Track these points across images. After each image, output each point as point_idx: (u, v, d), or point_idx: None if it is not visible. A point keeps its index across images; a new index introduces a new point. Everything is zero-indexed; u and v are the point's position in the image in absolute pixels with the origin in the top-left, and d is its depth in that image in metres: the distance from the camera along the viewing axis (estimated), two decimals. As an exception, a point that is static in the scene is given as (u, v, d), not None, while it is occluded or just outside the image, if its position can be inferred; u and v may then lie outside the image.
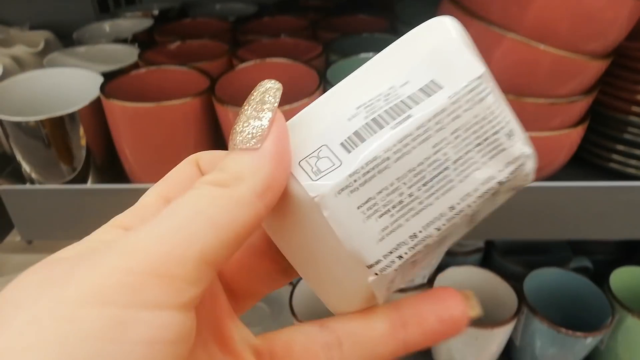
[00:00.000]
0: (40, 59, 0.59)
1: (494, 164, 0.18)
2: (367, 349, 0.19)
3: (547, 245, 0.76)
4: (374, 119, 0.18)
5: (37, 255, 0.72)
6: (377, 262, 0.18)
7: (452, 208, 0.18)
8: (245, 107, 0.18)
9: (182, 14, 0.75)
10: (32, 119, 0.42)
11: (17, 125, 0.43)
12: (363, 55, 0.48)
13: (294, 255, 0.20)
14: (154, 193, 0.20)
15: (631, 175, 0.49)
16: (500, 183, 0.18)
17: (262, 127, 0.17)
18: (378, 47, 0.51)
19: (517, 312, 0.60)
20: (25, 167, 0.46)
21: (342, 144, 0.18)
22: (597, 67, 0.41)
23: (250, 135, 0.17)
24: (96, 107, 0.45)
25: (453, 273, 0.67)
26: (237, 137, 0.17)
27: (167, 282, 0.14)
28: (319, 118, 0.20)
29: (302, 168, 0.18)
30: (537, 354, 0.63)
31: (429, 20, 0.20)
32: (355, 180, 0.17)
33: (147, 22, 0.66)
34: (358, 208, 0.17)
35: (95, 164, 0.48)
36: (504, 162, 0.18)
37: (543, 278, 0.66)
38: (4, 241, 0.52)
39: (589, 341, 0.59)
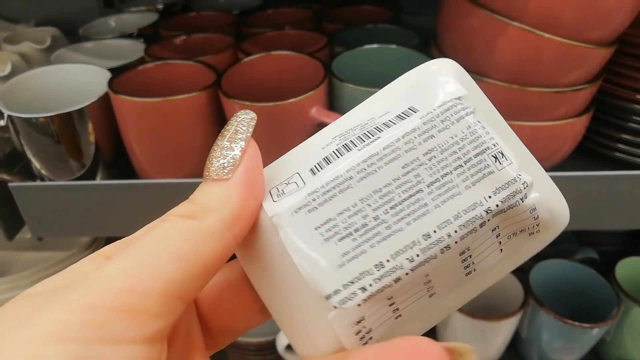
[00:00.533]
0: (47, 55, 0.60)
1: (479, 189, 0.17)
2: None
3: (553, 236, 0.76)
4: (345, 144, 0.17)
5: (46, 252, 0.73)
6: (336, 293, 0.16)
7: (427, 236, 0.16)
8: (220, 138, 0.18)
9: (186, 7, 0.75)
10: (41, 115, 0.43)
11: (27, 121, 0.43)
12: (367, 46, 0.48)
13: (263, 290, 0.18)
14: (147, 226, 0.19)
15: (637, 165, 0.49)
16: (489, 211, 0.16)
17: (234, 157, 0.17)
18: (382, 38, 0.51)
19: (524, 304, 0.60)
20: (36, 164, 0.47)
21: (311, 169, 0.17)
22: (601, 55, 0.41)
23: (221, 166, 0.17)
24: (104, 103, 0.45)
25: (459, 265, 0.67)
26: (210, 168, 0.17)
27: (130, 317, 0.14)
28: (299, 151, 0.19)
29: (270, 194, 0.18)
30: (544, 346, 0.63)
31: (428, 62, 0.20)
32: (314, 200, 0.17)
33: (152, 17, 0.66)
34: (316, 229, 0.16)
35: (104, 160, 0.48)
36: (492, 187, 0.17)
37: (549, 270, 0.66)
38: (14, 239, 0.53)
39: (595, 332, 0.59)
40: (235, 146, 0.17)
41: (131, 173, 0.50)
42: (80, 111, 0.44)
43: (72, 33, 0.67)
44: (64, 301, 0.14)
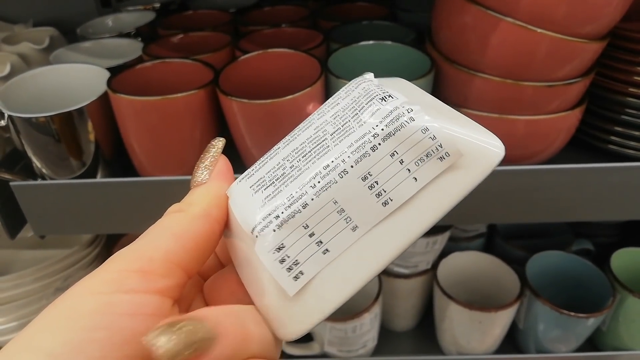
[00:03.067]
0: (46, 55, 0.60)
1: (369, 123, 0.19)
2: None
3: (548, 228, 0.77)
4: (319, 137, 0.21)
5: (48, 251, 0.73)
6: (257, 225, 0.19)
7: (326, 167, 0.19)
8: (198, 162, 0.23)
9: (183, 6, 0.75)
10: (41, 115, 0.43)
11: (28, 121, 0.44)
12: (363, 43, 0.49)
13: (238, 268, 0.22)
14: None
15: (630, 157, 0.50)
16: (375, 135, 0.19)
17: (208, 167, 0.23)
18: (378, 35, 0.52)
19: (520, 295, 0.61)
20: (37, 163, 0.48)
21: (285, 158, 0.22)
22: (593, 50, 0.42)
23: (202, 175, 0.23)
24: (104, 102, 0.46)
25: (456, 258, 0.68)
26: (193, 180, 0.23)
27: (140, 275, 0.19)
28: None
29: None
30: (540, 336, 0.64)
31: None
32: (252, 169, 0.22)
33: (149, 16, 0.67)
34: (250, 187, 0.21)
35: (104, 158, 0.49)
36: (378, 118, 0.19)
37: (545, 261, 0.67)
38: (16, 237, 0.53)
39: (591, 322, 0.60)
40: (209, 162, 0.23)
41: (131, 171, 0.50)
42: (79, 110, 0.45)
43: (70, 33, 0.67)
44: (96, 272, 0.19)
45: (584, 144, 0.53)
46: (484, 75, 0.43)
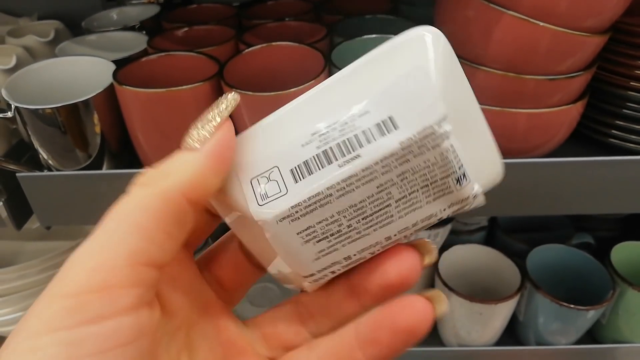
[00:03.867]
0: (51, 48, 0.61)
1: (437, 204, 0.19)
2: (333, 315, 0.21)
3: (549, 222, 0.78)
4: (324, 152, 0.19)
5: (53, 242, 0.74)
6: (311, 275, 0.20)
7: (388, 238, 0.19)
8: (204, 115, 0.19)
9: (187, 0, 0.76)
10: (48, 106, 0.44)
11: (34, 113, 0.44)
12: (366, 36, 0.49)
13: (254, 251, 0.22)
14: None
15: (631, 150, 0.50)
16: (440, 219, 0.19)
17: (208, 131, 0.18)
18: (381, 29, 0.52)
19: (520, 288, 0.62)
20: (43, 154, 0.48)
21: (291, 170, 0.19)
22: (595, 43, 0.42)
23: (195, 138, 0.18)
24: (109, 94, 0.46)
25: (457, 251, 0.69)
26: (186, 139, 0.19)
27: (104, 294, 0.15)
28: (277, 135, 0.20)
29: (252, 187, 0.19)
30: (540, 329, 0.64)
31: (412, 31, 0.20)
32: (296, 212, 0.19)
33: (153, 9, 0.67)
34: (297, 234, 0.19)
35: (110, 150, 0.49)
36: (448, 203, 0.19)
37: (546, 254, 0.67)
38: (22, 228, 0.54)
39: (591, 315, 0.61)
40: (211, 121, 0.19)
41: (136, 163, 0.51)
42: (85, 102, 0.45)
43: (74, 26, 0.68)
44: (45, 296, 0.15)
45: (585, 138, 0.53)
46: (486, 69, 0.43)
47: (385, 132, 0.18)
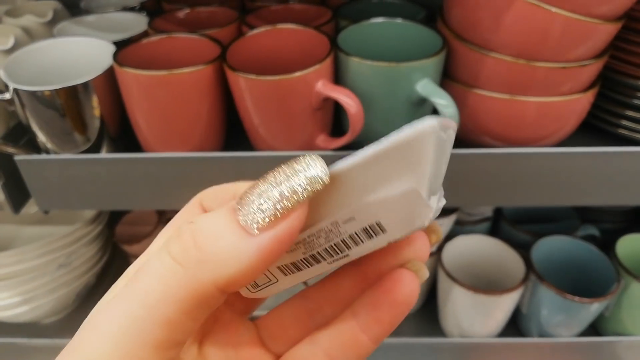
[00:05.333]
0: (50, 28, 0.60)
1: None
2: (343, 305, 0.21)
3: (554, 214, 0.77)
4: (312, 255, 0.19)
5: (50, 227, 0.74)
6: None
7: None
8: (272, 177, 0.15)
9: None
10: (47, 88, 0.43)
11: (33, 94, 0.43)
12: (373, 20, 0.48)
13: None
14: (144, 254, 0.20)
15: (640, 141, 0.49)
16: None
17: (275, 214, 0.14)
18: (387, 12, 0.51)
19: (525, 279, 0.61)
20: (41, 138, 0.47)
21: (279, 267, 0.19)
22: (608, 31, 0.41)
23: (256, 215, 0.15)
24: (109, 76, 0.45)
25: (462, 241, 0.68)
26: (243, 208, 0.15)
27: None
28: None
29: None
30: (543, 321, 0.64)
31: (415, 130, 0.15)
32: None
33: (154, -9, 0.66)
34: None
35: (109, 134, 0.48)
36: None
37: (551, 246, 0.67)
38: (19, 212, 0.53)
39: (595, 307, 0.60)
40: (281, 202, 0.14)
41: (136, 148, 0.50)
42: (85, 84, 0.44)
43: (73, 6, 0.66)
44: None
45: (595, 128, 0.52)
46: (496, 55, 0.42)
47: (373, 235, 0.18)
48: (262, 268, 0.15)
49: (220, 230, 0.15)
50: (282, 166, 0.15)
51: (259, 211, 0.14)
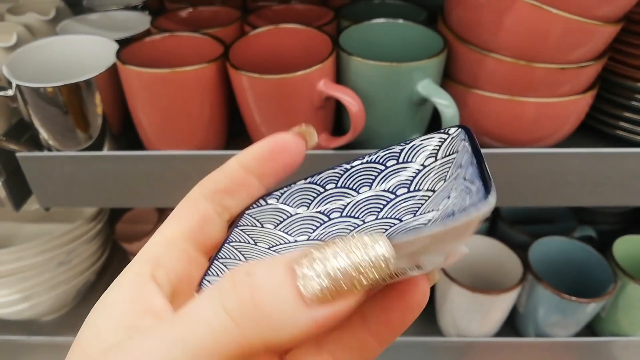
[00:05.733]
0: (52, 26, 0.60)
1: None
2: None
3: (552, 215, 0.77)
4: None
5: (50, 225, 0.74)
6: None
7: None
8: (337, 246, 0.14)
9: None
10: (49, 85, 0.43)
11: (35, 91, 0.43)
12: (375, 20, 0.48)
13: None
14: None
15: (638, 143, 0.50)
16: None
17: (335, 290, 0.14)
18: (389, 13, 0.51)
19: (522, 279, 0.61)
20: (43, 134, 0.47)
21: None
22: (607, 33, 0.41)
23: (315, 284, 0.14)
24: (112, 74, 0.45)
25: (459, 241, 0.68)
26: (304, 271, 0.14)
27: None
28: None
29: None
30: (540, 321, 0.64)
31: (474, 212, 0.15)
32: None
33: (156, -10, 0.66)
34: None
35: (112, 131, 0.49)
36: None
37: (548, 246, 0.67)
38: (20, 209, 0.53)
39: (592, 307, 0.60)
40: (345, 280, 0.14)
41: (138, 146, 0.50)
42: (88, 82, 0.44)
43: (76, 5, 0.67)
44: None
45: (593, 130, 0.53)
46: (496, 56, 0.43)
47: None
48: (314, 335, 0.14)
49: (279, 292, 0.14)
50: (350, 238, 0.15)
51: (320, 280, 0.14)
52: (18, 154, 0.46)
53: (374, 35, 0.49)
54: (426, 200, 0.22)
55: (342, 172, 0.23)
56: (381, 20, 0.48)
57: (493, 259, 0.67)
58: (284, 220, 0.23)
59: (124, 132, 0.50)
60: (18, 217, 0.73)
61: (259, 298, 0.14)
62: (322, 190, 0.24)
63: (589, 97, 0.46)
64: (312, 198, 0.24)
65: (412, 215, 0.22)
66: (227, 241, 0.21)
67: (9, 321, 0.69)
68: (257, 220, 0.23)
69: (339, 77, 0.46)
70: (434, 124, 0.48)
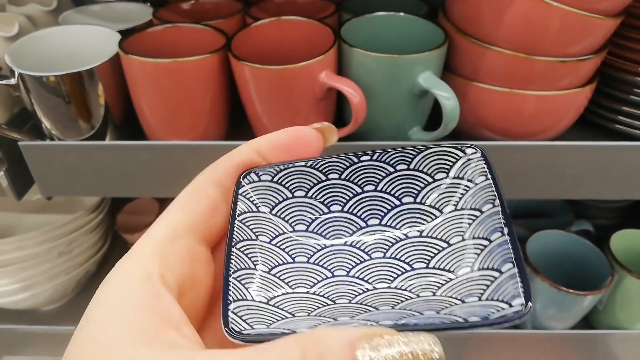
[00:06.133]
0: (54, 17, 0.60)
1: None
2: None
3: (549, 209, 0.78)
4: None
5: (51, 215, 0.74)
6: None
7: None
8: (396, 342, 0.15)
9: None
10: (52, 74, 0.43)
11: (38, 80, 0.44)
12: (377, 13, 0.49)
13: None
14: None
15: (636, 137, 0.50)
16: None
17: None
18: (389, 6, 0.51)
19: (520, 272, 0.62)
20: (46, 124, 0.47)
21: None
22: (607, 26, 0.42)
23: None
24: (115, 64, 0.45)
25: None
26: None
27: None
28: None
29: None
30: (538, 313, 0.65)
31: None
32: None
33: (158, -18, 0.66)
34: None
35: (114, 122, 0.49)
36: None
37: (546, 240, 0.68)
38: (22, 198, 0.53)
39: (589, 300, 0.61)
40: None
41: (140, 136, 0.50)
42: (90, 71, 0.44)
43: (77, -4, 0.67)
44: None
45: (591, 124, 0.53)
46: (496, 49, 0.43)
47: None
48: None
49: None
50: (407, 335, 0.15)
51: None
52: (20, 143, 0.47)
53: (376, 28, 0.49)
54: (431, 219, 0.22)
55: (347, 165, 0.23)
56: (382, 13, 0.49)
57: (491, 252, 0.68)
58: (280, 202, 0.23)
59: (126, 122, 0.50)
60: (19, 207, 0.73)
61: None
62: (323, 178, 0.23)
63: (588, 90, 0.46)
64: (311, 184, 0.23)
65: (418, 233, 0.22)
66: (233, 243, 0.21)
67: (10, 310, 0.69)
68: (252, 203, 0.22)
69: (341, 69, 0.46)
70: (434, 115, 0.49)
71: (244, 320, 0.19)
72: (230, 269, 0.20)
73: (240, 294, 0.20)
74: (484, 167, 0.21)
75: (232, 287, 0.20)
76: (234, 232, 0.21)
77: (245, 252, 0.21)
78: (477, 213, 0.21)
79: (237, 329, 0.18)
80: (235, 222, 0.21)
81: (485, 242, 0.20)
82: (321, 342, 0.14)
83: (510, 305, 0.17)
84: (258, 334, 0.18)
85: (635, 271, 0.61)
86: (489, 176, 0.21)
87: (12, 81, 0.45)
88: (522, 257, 0.18)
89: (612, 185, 0.48)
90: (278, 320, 0.20)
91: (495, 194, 0.21)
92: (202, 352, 0.16)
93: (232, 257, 0.20)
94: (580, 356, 0.67)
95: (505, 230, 0.19)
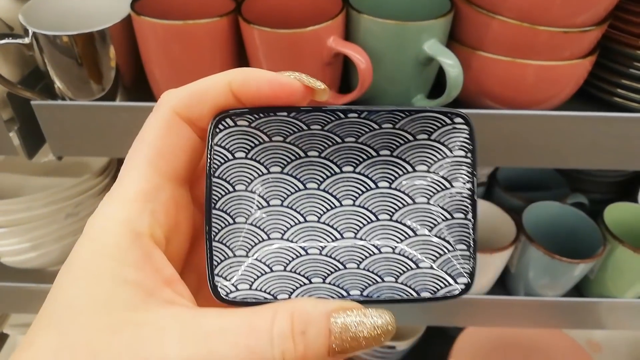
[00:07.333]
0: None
1: None
2: None
3: (546, 182, 0.79)
4: None
5: (59, 178, 0.75)
6: None
7: None
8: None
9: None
10: (65, 33, 0.44)
11: (51, 39, 0.44)
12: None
13: None
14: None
15: (634, 110, 0.51)
16: None
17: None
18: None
19: (515, 240, 0.64)
20: (57, 84, 0.48)
21: None
22: (610, -3, 0.43)
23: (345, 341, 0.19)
24: (126, 26, 0.46)
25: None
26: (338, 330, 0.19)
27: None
28: None
29: None
30: (531, 281, 0.67)
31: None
32: None
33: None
34: None
35: (124, 84, 0.50)
36: None
37: (541, 210, 0.69)
38: (33, 158, 0.54)
39: (581, 268, 0.63)
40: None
41: (150, 98, 0.51)
42: (102, 32, 0.45)
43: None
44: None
45: (590, 96, 0.54)
46: (501, 18, 0.44)
47: None
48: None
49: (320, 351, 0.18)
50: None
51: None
52: (33, 102, 0.48)
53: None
54: (402, 173, 0.23)
55: (333, 119, 0.22)
56: (390, -20, 0.49)
57: (488, 220, 0.69)
58: (256, 146, 0.23)
59: (136, 84, 0.51)
60: (28, 169, 0.75)
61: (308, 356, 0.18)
62: (304, 127, 0.23)
63: (588, 62, 0.47)
64: (291, 132, 0.23)
65: (388, 184, 0.23)
66: (213, 203, 0.21)
67: (18, 269, 0.71)
68: (228, 150, 0.22)
69: (348, 35, 0.47)
70: (438, 83, 0.50)
71: (228, 280, 0.21)
72: (213, 231, 0.21)
73: (223, 254, 0.22)
74: (466, 140, 0.22)
75: (216, 251, 0.21)
76: (213, 190, 0.22)
77: (224, 210, 0.22)
78: (447, 184, 0.22)
79: (225, 292, 0.21)
80: (213, 179, 0.22)
81: (448, 216, 0.22)
82: (304, 312, 0.18)
83: (456, 282, 0.22)
84: (243, 298, 0.21)
85: (627, 241, 0.63)
86: (469, 153, 0.22)
87: (26, 40, 0.46)
88: (477, 241, 0.22)
89: (607, 155, 0.49)
90: (259, 277, 0.22)
91: (469, 173, 0.22)
92: (199, 311, 0.18)
93: (212, 218, 0.21)
94: (571, 322, 0.69)
95: (470, 215, 0.22)
